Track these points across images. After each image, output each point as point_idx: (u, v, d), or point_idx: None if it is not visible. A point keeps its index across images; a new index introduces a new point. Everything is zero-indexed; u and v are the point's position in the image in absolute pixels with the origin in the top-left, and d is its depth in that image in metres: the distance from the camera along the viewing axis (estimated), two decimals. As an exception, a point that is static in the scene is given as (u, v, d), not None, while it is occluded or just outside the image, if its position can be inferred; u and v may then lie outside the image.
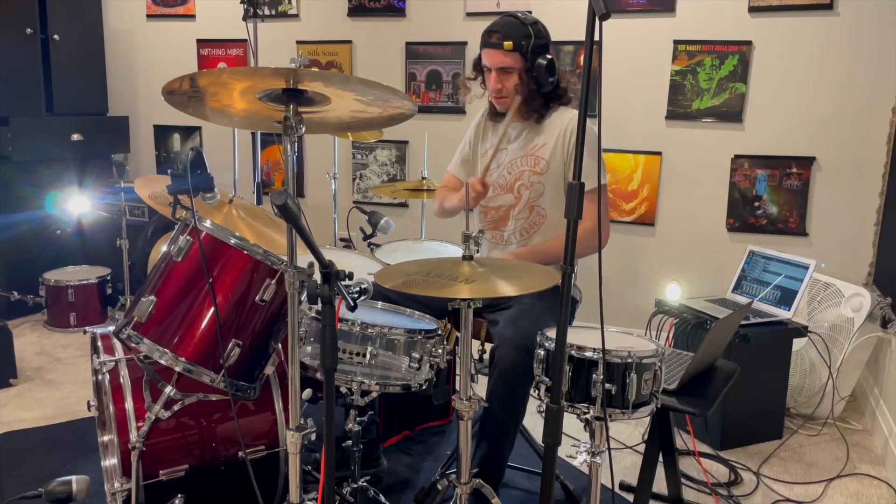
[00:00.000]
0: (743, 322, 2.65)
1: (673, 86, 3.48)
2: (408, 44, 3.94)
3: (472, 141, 2.45)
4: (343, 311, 1.77)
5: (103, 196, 4.04)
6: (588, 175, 2.12)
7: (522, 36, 2.14)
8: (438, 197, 2.49)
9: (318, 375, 1.79)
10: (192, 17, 4.39)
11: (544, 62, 2.16)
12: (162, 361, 1.70)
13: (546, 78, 2.18)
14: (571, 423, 2.53)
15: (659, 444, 2.04)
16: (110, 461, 1.99)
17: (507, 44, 2.14)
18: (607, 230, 2.28)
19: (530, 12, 3.63)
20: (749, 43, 3.33)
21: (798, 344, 2.87)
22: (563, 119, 2.26)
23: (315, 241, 1.42)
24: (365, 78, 1.51)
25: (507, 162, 2.33)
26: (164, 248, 1.79)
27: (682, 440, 2.70)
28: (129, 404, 1.80)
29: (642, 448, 2.55)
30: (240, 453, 1.91)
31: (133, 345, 1.71)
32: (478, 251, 1.74)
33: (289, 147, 1.53)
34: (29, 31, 3.83)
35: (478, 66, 2.31)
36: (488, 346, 2.13)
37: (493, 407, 1.92)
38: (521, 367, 1.92)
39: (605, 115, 3.57)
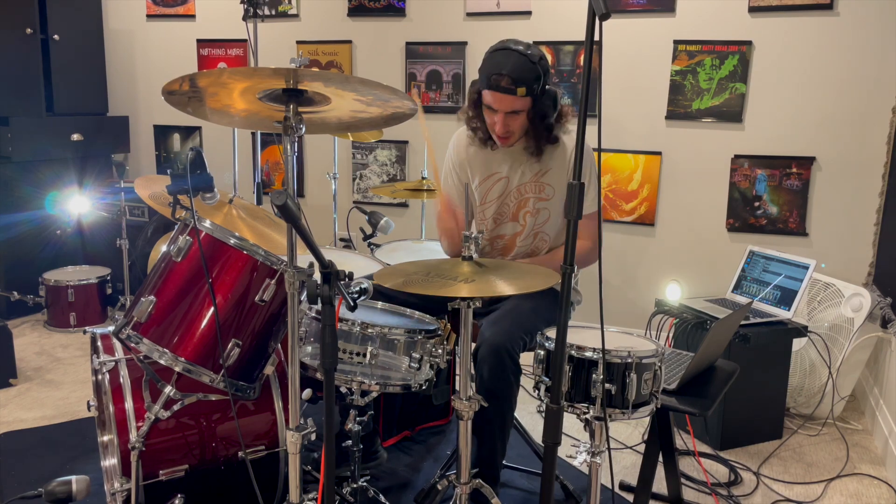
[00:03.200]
0: (743, 322, 2.65)
1: (673, 86, 3.48)
2: (408, 44, 3.94)
3: (459, 169, 2.32)
4: (343, 311, 1.77)
5: (103, 196, 4.04)
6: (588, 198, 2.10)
7: (534, 78, 2.00)
8: (440, 226, 2.33)
9: (318, 375, 1.79)
10: (192, 17, 4.39)
11: (551, 95, 2.07)
12: (162, 361, 1.70)
13: (551, 111, 2.10)
14: (571, 423, 2.54)
15: (659, 444, 2.04)
16: (110, 461, 1.99)
17: (521, 90, 1.99)
18: (593, 255, 2.24)
19: (529, 12, 3.66)
20: (749, 43, 3.33)
21: (798, 344, 2.87)
22: (569, 146, 2.19)
23: (315, 241, 1.42)
24: (365, 78, 1.50)
25: (509, 191, 2.26)
26: (164, 248, 1.79)
27: (682, 440, 2.70)
28: (128, 404, 1.80)
29: (642, 448, 2.55)
30: (240, 453, 1.91)
31: (133, 345, 1.71)
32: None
33: (289, 147, 1.53)
34: (29, 31, 3.83)
35: (477, 104, 2.14)
36: None
37: (481, 407, 1.92)
38: (502, 368, 1.91)
39: (606, 114, 3.57)
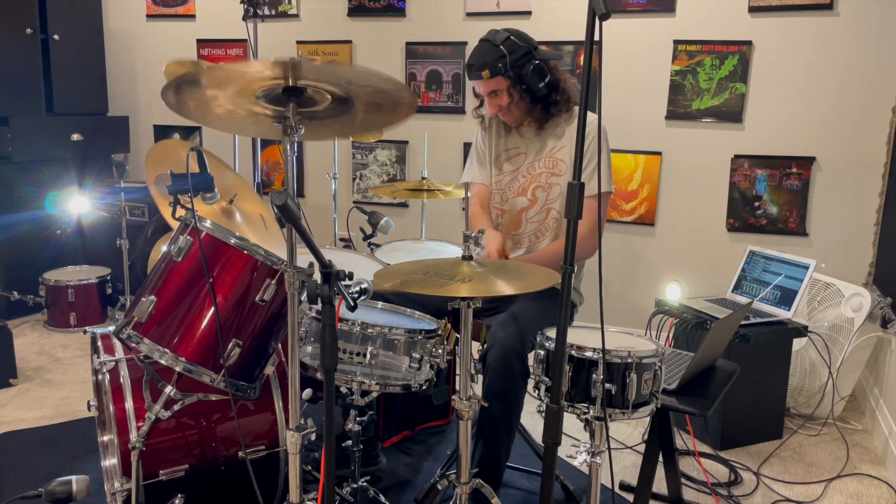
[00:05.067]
0: (743, 322, 2.65)
1: (673, 86, 3.48)
2: (408, 44, 3.94)
3: (485, 140, 2.45)
4: (343, 311, 1.77)
5: (103, 196, 4.04)
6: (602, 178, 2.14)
7: (496, 59, 2.15)
8: (473, 217, 2.46)
9: (318, 375, 1.79)
10: (192, 17, 4.39)
11: (531, 67, 2.16)
12: (162, 361, 1.70)
13: (537, 83, 2.18)
14: (571, 423, 2.54)
15: (659, 444, 2.04)
16: (110, 461, 1.99)
17: (485, 73, 2.17)
18: (591, 243, 2.25)
19: (529, 12, 3.66)
20: (749, 43, 3.33)
21: (798, 344, 2.87)
22: (589, 125, 2.23)
23: (315, 241, 1.42)
24: (360, 66, 1.47)
25: (524, 166, 2.34)
26: (164, 248, 1.79)
27: (682, 440, 2.70)
28: (129, 404, 1.80)
29: (642, 448, 2.55)
30: (240, 453, 1.91)
31: (133, 345, 1.71)
32: (479, 252, 1.75)
33: (289, 147, 1.53)
34: (29, 31, 3.83)
35: (476, 93, 2.37)
36: None
37: (488, 408, 1.93)
38: (511, 370, 1.93)
39: (605, 115, 3.56)
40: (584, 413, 1.64)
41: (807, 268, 2.79)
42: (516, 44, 2.17)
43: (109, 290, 3.91)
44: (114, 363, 1.86)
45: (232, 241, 1.76)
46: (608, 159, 2.25)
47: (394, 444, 2.62)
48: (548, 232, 2.33)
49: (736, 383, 2.09)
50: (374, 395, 1.89)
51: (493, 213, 2.43)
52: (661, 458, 2.07)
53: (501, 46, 2.15)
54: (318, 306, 1.39)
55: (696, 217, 3.55)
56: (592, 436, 1.67)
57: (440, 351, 1.81)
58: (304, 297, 1.58)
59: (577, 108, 2.28)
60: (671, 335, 2.88)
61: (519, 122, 2.32)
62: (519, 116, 2.29)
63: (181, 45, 4.42)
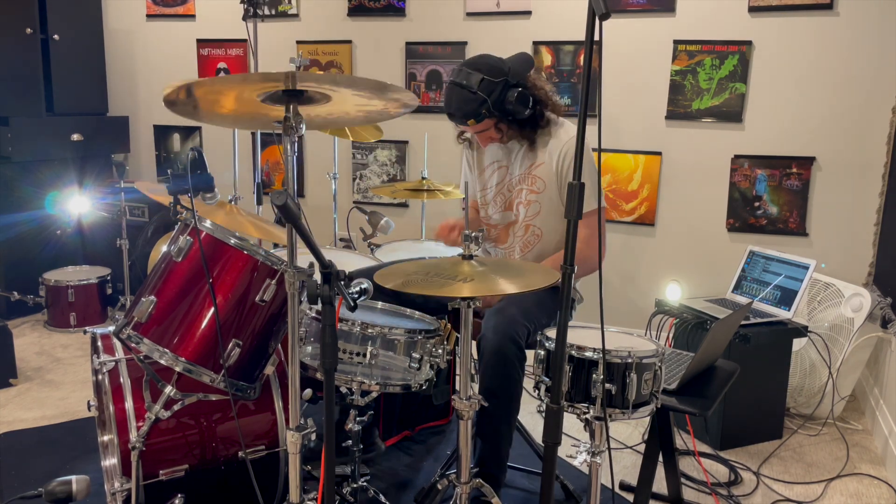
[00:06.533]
0: (743, 322, 2.65)
1: (673, 86, 3.48)
2: (408, 44, 3.94)
3: (471, 157, 2.46)
4: (343, 311, 1.77)
5: (103, 196, 4.04)
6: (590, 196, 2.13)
7: (477, 106, 2.09)
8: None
9: (318, 375, 1.79)
10: (192, 17, 4.39)
11: (514, 97, 2.10)
12: (162, 361, 1.70)
13: (522, 110, 2.14)
14: (571, 423, 2.54)
15: (659, 444, 2.04)
16: (110, 461, 1.99)
17: (471, 122, 2.14)
18: (602, 251, 2.25)
19: (529, 12, 3.66)
20: (749, 43, 3.33)
21: (798, 344, 2.87)
22: (561, 140, 2.23)
23: (315, 241, 1.42)
24: (356, 76, 1.50)
25: (507, 180, 2.33)
26: (164, 248, 1.79)
27: (682, 440, 2.71)
28: (129, 404, 1.80)
29: (642, 448, 2.55)
30: (240, 453, 1.91)
31: (133, 345, 1.71)
32: (478, 250, 1.75)
33: (289, 147, 1.53)
34: (29, 31, 3.83)
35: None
36: None
37: (485, 402, 1.92)
38: (506, 354, 1.92)
39: (605, 115, 3.57)
40: (584, 413, 1.65)
41: (807, 268, 2.79)
42: (492, 83, 2.09)
43: (109, 290, 3.91)
44: (114, 363, 1.86)
45: (232, 242, 1.76)
46: (592, 179, 2.16)
47: (394, 444, 2.62)
48: (531, 247, 2.31)
49: (736, 383, 2.09)
50: (374, 395, 1.89)
51: (483, 229, 2.42)
52: (661, 458, 2.07)
53: (479, 93, 2.08)
54: (318, 306, 1.39)
55: (696, 217, 3.55)
56: (592, 436, 1.67)
57: (440, 351, 1.81)
58: (304, 297, 1.58)
59: (557, 123, 2.25)
60: (671, 335, 2.88)
61: (510, 140, 2.29)
62: (510, 138, 2.26)
63: (181, 45, 4.42)
